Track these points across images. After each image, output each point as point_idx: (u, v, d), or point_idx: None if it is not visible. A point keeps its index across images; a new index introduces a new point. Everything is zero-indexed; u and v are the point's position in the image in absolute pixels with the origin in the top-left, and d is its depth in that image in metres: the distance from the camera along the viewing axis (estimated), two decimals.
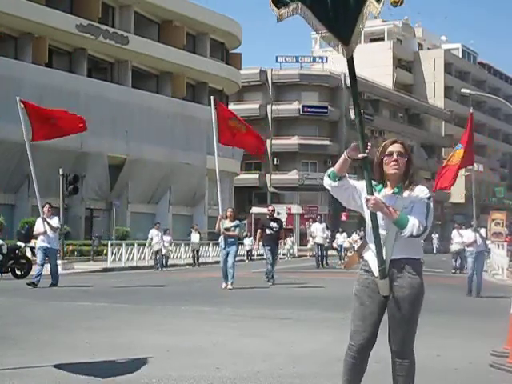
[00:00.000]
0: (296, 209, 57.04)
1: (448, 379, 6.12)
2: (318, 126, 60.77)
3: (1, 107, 28.77)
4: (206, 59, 45.68)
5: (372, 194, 3.90)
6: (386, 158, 4.04)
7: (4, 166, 29.17)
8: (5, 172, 31.43)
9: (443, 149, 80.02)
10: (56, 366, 6.06)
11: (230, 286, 14.97)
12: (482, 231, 15.88)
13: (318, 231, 27.46)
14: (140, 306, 11.63)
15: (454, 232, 24.97)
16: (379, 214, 3.90)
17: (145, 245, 27.23)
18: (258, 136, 17.27)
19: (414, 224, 3.84)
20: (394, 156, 4.02)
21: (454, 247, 24.69)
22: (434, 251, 56.93)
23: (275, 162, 60.02)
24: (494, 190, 78.50)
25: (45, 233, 14.67)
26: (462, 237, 24.13)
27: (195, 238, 28.84)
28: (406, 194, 4.00)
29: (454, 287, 18.61)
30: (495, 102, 69.92)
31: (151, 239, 25.70)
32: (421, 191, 4.01)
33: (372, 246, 3.97)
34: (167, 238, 26.24)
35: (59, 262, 24.23)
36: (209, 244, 34.86)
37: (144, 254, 27.46)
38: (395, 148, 4.04)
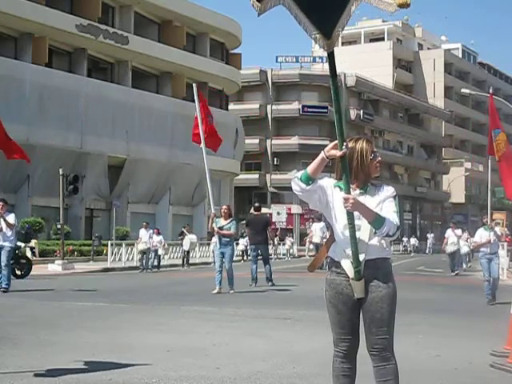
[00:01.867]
0: (296, 209, 56.98)
1: (448, 379, 6.11)
2: (318, 126, 60.73)
3: (1, 107, 28.73)
4: (206, 59, 45.65)
5: (349, 193, 3.77)
6: (369, 159, 3.94)
7: (4, 166, 29.13)
8: (5, 172, 31.37)
9: (443, 149, 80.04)
10: (56, 367, 6.06)
11: (231, 292, 14.16)
12: (497, 229, 14.32)
13: (316, 231, 27.34)
14: (140, 306, 11.63)
15: (449, 231, 24.77)
16: (354, 214, 3.79)
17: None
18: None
19: (389, 223, 3.75)
20: (379, 157, 3.98)
21: (450, 248, 24.47)
22: (427, 251, 56.87)
23: (275, 162, 60.07)
24: (494, 189, 78.48)
25: (0, 230, 13.89)
26: (457, 236, 24.25)
27: (193, 238, 28.48)
28: (372, 193, 3.92)
29: (454, 287, 18.61)
30: (495, 101, 69.77)
31: (140, 239, 25.36)
32: (387, 190, 3.93)
33: (346, 247, 3.84)
34: (157, 238, 25.69)
35: (59, 261, 24.31)
36: (208, 244, 34.82)
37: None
38: (373, 148, 3.98)
